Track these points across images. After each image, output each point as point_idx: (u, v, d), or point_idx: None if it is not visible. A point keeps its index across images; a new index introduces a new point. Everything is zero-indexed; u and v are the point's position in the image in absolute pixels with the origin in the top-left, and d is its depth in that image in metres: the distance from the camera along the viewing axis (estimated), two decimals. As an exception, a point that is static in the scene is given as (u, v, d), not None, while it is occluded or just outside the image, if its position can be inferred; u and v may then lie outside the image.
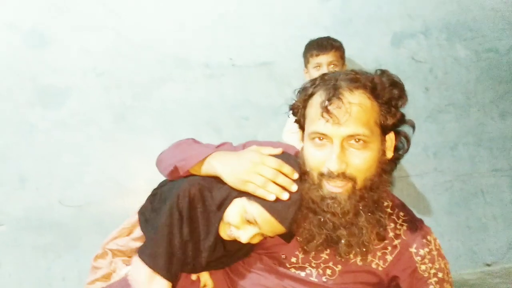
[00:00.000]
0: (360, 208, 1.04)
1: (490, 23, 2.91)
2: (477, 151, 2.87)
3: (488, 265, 2.79)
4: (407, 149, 1.15)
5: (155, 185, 1.31)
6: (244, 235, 1.10)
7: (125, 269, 1.27)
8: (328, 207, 1.03)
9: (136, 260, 1.12)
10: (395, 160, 1.14)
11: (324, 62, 2.21)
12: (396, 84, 1.09)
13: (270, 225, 1.08)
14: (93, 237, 2.30)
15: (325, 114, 1.02)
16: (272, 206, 1.06)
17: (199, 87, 2.56)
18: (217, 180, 1.13)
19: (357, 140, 1.02)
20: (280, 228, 1.08)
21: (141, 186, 2.38)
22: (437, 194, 2.77)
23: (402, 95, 1.09)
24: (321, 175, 1.04)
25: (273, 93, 2.60)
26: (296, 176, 1.07)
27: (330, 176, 1.02)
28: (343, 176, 1.02)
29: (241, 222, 1.10)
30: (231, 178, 1.07)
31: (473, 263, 2.77)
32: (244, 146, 1.24)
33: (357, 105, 1.02)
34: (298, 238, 1.12)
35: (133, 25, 2.52)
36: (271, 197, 1.03)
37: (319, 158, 1.05)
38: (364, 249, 1.06)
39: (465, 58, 2.88)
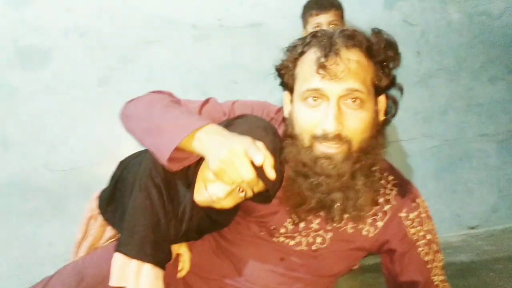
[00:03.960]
0: (357, 170, 1.00)
1: (484, -15, 2.86)
2: (466, 116, 2.87)
3: (472, 228, 2.85)
4: (395, 114, 1.12)
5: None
6: (222, 189, 1.02)
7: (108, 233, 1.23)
8: (323, 168, 0.97)
9: (118, 257, 1.01)
10: (383, 125, 1.10)
11: (324, 22, 2.11)
12: (391, 45, 1.05)
13: None
14: (80, 202, 2.25)
15: (321, 70, 0.96)
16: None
17: (187, 49, 2.49)
18: None
19: (353, 99, 0.98)
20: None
21: (128, 150, 2.34)
22: (424, 159, 2.80)
23: (396, 56, 1.05)
24: (314, 137, 0.99)
25: (263, 56, 2.53)
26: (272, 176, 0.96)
27: (325, 138, 0.97)
28: (338, 138, 0.96)
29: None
30: (211, 160, 0.95)
31: (457, 226, 2.83)
32: (233, 104, 1.19)
33: (354, 62, 0.98)
34: (286, 207, 1.09)
35: (117, -17, 2.42)
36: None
37: (313, 119, 0.99)
38: (359, 214, 1.03)
39: (457, 22, 2.84)
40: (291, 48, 1.08)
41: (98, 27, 2.40)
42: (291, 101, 1.07)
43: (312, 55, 1.01)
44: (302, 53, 1.04)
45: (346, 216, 1.04)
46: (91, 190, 1.28)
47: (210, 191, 1.04)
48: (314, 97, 0.99)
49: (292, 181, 1.03)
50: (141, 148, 1.15)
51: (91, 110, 2.39)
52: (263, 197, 1.07)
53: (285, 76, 1.08)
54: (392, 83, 1.07)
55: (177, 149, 0.97)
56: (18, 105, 2.32)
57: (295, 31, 2.33)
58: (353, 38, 1.01)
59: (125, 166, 1.15)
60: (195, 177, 1.06)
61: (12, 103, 2.31)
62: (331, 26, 2.13)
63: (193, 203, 1.07)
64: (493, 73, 2.91)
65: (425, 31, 2.78)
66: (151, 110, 1.07)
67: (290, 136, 1.04)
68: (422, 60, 2.78)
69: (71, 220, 2.27)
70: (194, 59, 2.50)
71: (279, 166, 1.02)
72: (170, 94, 1.18)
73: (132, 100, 1.17)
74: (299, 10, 2.25)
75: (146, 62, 2.45)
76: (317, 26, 2.14)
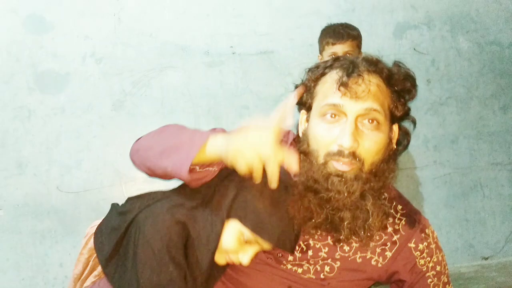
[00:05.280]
0: (366, 191, 0.99)
1: (494, 15, 2.88)
2: (477, 144, 2.86)
3: (485, 258, 2.79)
4: (407, 146, 1.11)
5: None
6: (245, 257, 1.05)
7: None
8: (333, 185, 0.97)
9: None
10: (395, 154, 1.10)
11: (339, 52, 2.11)
12: (409, 78, 1.06)
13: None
14: (91, 223, 2.30)
15: (342, 88, 0.98)
16: (262, 229, 1.01)
17: (199, 75, 2.54)
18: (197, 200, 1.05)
19: (371, 120, 0.99)
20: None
21: (139, 173, 2.37)
22: (435, 187, 2.77)
23: (413, 89, 1.07)
24: (329, 154, 0.99)
25: (274, 82, 2.58)
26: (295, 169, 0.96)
27: (340, 154, 0.97)
28: (353, 155, 0.97)
29: (239, 246, 1.04)
30: (227, 150, 0.95)
31: (470, 256, 2.78)
32: None
33: (375, 85, 1.00)
34: (295, 221, 1.06)
35: (133, 11, 2.50)
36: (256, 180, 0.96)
37: (330, 135, 0.99)
38: (368, 234, 1.01)
39: (467, 51, 2.86)
40: (313, 69, 1.09)
41: (114, 53, 2.47)
42: (307, 120, 1.08)
43: (334, 75, 1.03)
44: (323, 74, 1.06)
45: (354, 237, 1.03)
46: (102, 212, 1.30)
47: (233, 259, 1.06)
48: (333, 113, 1.00)
49: (301, 196, 1.02)
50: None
51: (105, 133, 2.43)
52: (285, 245, 1.06)
53: (304, 95, 1.09)
54: (406, 114, 1.09)
55: (194, 165, 0.98)
56: (34, 127, 2.38)
57: (305, 58, 2.38)
58: (375, 64, 1.03)
59: (131, 220, 1.09)
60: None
61: (28, 126, 2.37)
62: (347, 55, 2.14)
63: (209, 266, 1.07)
64: (505, 102, 2.90)
65: (435, 59, 2.80)
66: (163, 137, 1.09)
67: (304, 153, 1.05)
68: (432, 88, 2.80)
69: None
70: (206, 85, 2.54)
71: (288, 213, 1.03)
72: (178, 125, 1.18)
73: (139, 138, 1.17)
74: (309, 38, 2.30)
75: (159, 88, 2.50)
76: (332, 55, 2.16)
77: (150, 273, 1.00)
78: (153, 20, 2.52)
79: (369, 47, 2.62)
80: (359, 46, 2.20)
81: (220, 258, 1.07)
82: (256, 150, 0.91)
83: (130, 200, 1.17)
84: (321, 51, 2.24)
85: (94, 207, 2.34)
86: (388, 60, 1.10)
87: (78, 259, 1.24)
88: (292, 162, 0.93)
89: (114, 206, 1.19)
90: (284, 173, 1.04)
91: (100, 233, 1.15)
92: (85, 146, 2.41)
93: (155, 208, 1.06)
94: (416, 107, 1.11)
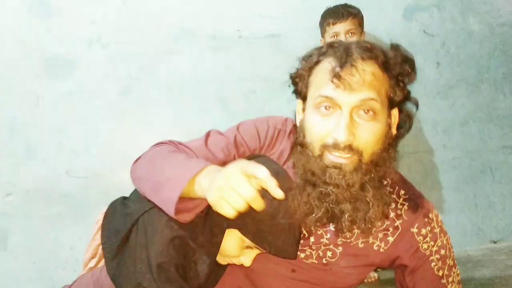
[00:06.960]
0: (366, 182, 0.98)
1: (506, -4, 2.83)
2: (488, 127, 2.83)
3: (494, 242, 2.79)
4: (409, 128, 1.10)
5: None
6: (247, 260, 1.08)
7: None
8: (331, 178, 0.96)
9: None
10: (396, 138, 1.09)
11: (341, 31, 2.10)
12: (408, 60, 1.05)
13: None
14: (100, 208, 2.31)
15: (335, 80, 0.95)
16: (262, 239, 1.02)
17: (206, 59, 2.53)
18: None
19: (366, 111, 0.97)
20: None
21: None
22: (444, 171, 2.75)
23: (412, 72, 1.05)
24: (325, 146, 0.98)
25: (281, 66, 2.54)
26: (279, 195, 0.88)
27: (336, 147, 0.95)
28: (349, 148, 0.95)
29: (240, 251, 1.07)
30: (209, 193, 0.90)
31: (479, 240, 2.77)
32: (238, 129, 1.17)
33: (370, 74, 0.97)
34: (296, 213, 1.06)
35: (139, -5, 2.49)
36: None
37: (325, 128, 0.98)
38: (369, 226, 1.00)
39: (478, 32, 2.81)
40: (307, 57, 1.08)
41: (120, 38, 2.46)
42: (303, 109, 1.07)
43: (327, 64, 1.00)
44: (317, 62, 1.04)
45: (355, 228, 1.02)
46: (111, 196, 1.31)
47: (235, 262, 1.09)
48: (327, 105, 0.98)
49: (301, 190, 1.02)
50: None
51: (112, 118, 2.44)
52: (286, 253, 1.07)
53: (299, 84, 1.08)
54: (407, 97, 1.07)
55: (183, 199, 0.95)
56: (42, 113, 2.39)
57: (312, 41, 2.34)
58: (369, 50, 1.00)
59: (133, 223, 1.11)
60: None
61: (36, 111, 2.38)
62: (349, 34, 2.11)
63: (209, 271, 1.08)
64: (516, 85, 2.86)
65: (445, 41, 2.76)
66: (152, 168, 1.07)
67: (300, 144, 1.04)
68: (442, 71, 2.76)
69: (91, 225, 2.32)
70: (213, 69, 2.53)
71: (292, 211, 1.02)
72: (170, 143, 1.16)
73: (137, 159, 1.17)
74: (316, 21, 2.26)
75: (166, 72, 2.50)
76: (334, 35, 2.14)
77: (148, 284, 1.02)
78: (158, 4, 2.50)
79: (378, 30, 2.59)
80: (360, 24, 2.17)
81: (222, 260, 1.10)
82: (240, 194, 0.85)
83: (134, 194, 1.19)
84: (323, 34, 2.23)
85: (103, 192, 2.35)
86: (397, 43, 1.08)
87: (90, 244, 1.26)
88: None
89: (118, 206, 1.20)
90: (284, 178, 1.03)
91: (106, 233, 1.18)
92: (93, 131, 2.42)
93: (155, 216, 1.06)
94: (425, 90, 1.10)
